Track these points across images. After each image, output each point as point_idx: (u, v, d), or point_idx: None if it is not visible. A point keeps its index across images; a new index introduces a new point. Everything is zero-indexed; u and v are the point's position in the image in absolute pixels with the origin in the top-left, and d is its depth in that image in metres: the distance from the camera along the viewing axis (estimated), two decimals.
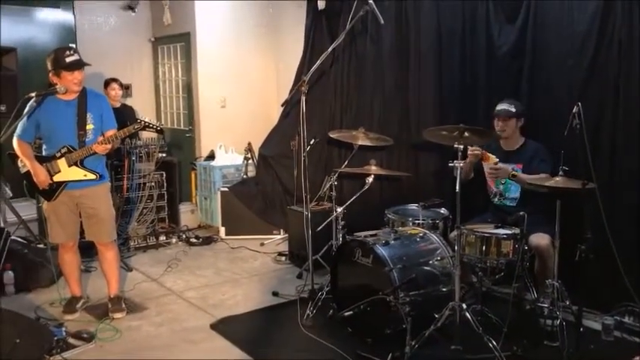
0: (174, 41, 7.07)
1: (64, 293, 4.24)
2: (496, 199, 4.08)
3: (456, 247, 3.42)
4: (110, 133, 3.83)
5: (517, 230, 3.46)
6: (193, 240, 5.99)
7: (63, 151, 3.76)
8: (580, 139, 3.17)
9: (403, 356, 3.18)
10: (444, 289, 3.59)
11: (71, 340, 3.59)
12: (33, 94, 3.59)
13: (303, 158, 4.18)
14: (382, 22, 4.50)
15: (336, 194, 4.49)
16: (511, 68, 4.28)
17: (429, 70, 4.85)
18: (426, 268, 3.60)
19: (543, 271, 3.65)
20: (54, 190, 3.82)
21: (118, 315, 4.01)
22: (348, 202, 4.52)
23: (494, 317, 3.56)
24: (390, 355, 3.23)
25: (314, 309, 3.93)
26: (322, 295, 4.03)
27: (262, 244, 5.85)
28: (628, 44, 3.63)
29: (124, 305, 4.12)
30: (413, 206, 4.30)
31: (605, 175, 3.73)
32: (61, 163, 3.77)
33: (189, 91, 6.95)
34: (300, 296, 4.25)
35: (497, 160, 3.71)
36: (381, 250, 3.49)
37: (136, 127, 3.81)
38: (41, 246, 4.73)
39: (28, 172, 3.80)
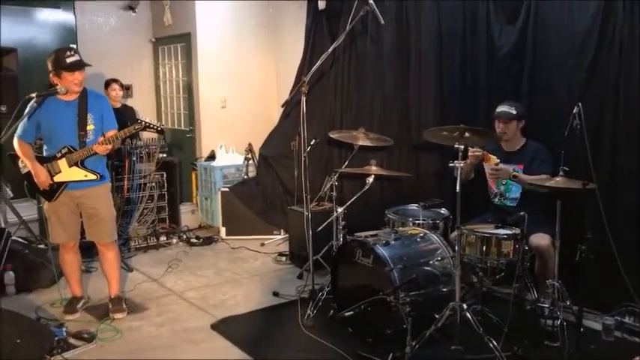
0: (175, 41, 7.08)
1: (65, 293, 4.24)
2: (496, 200, 4.09)
3: (456, 248, 3.42)
4: (111, 133, 3.83)
5: (517, 230, 3.46)
6: (194, 240, 5.99)
7: (63, 151, 3.76)
8: (580, 140, 3.17)
9: (404, 356, 3.18)
10: (445, 290, 3.59)
11: (72, 341, 3.60)
12: (33, 95, 3.60)
13: (303, 158, 4.18)
14: (382, 22, 4.50)
15: (336, 194, 4.49)
16: (512, 68, 4.28)
17: (430, 71, 4.85)
18: (426, 268, 3.60)
19: (544, 271, 3.65)
20: (54, 190, 3.82)
21: (118, 315, 4.02)
22: (349, 202, 4.52)
23: (495, 317, 3.56)
24: (391, 355, 3.23)
25: (314, 309, 3.93)
26: (323, 295, 4.03)
27: (263, 245, 5.85)
28: (629, 44, 3.63)
29: (124, 305, 4.13)
30: (413, 206, 4.30)
31: (605, 176, 3.73)
32: (62, 163, 3.77)
33: (189, 91, 6.96)
34: (301, 296, 4.26)
35: (498, 160, 3.70)
36: (382, 251, 3.49)
37: (136, 127, 3.81)
38: (42, 246, 4.75)
39: (28, 173, 3.80)
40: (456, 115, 4.59)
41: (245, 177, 6.36)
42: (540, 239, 3.63)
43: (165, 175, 5.95)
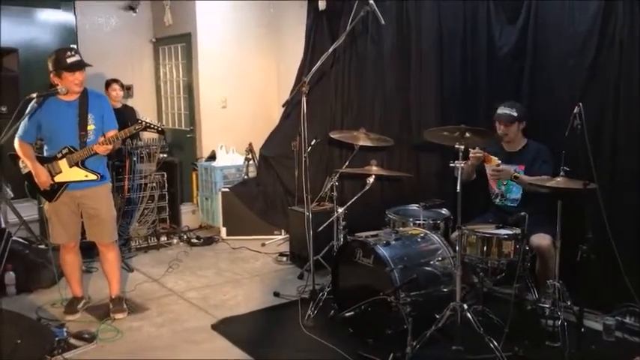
0: (175, 42, 7.08)
1: (66, 294, 4.24)
2: (497, 200, 4.08)
3: (457, 248, 3.41)
4: (111, 133, 3.83)
5: (518, 231, 3.46)
6: (194, 240, 6.00)
7: (64, 151, 3.76)
8: (581, 140, 3.17)
9: (404, 357, 3.18)
10: (445, 290, 3.59)
11: (72, 341, 3.60)
12: (34, 95, 3.60)
13: (304, 159, 4.18)
14: (383, 22, 4.50)
15: (337, 195, 4.50)
16: (512, 69, 4.28)
17: (430, 71, 4.85)
18: (427, 268, 3.60)
19: (544, 271, 3.65)
20: (55, 190, 3.82)
21: (119, 315, 4.02)
22: (349, 202, 4.52)
23: (496, 318, 3.56)
24: (391, 355, 3.23)
25: (315, 309, 3.93)
26: (323, 295, 4.03)
27: (263, 245, 5.85)
28: (629, 44, 3.63)
29: (125, 306, 4.13)
30: (414, 207, 4.30)
31: (606, 176, 3.72)
32: (62, 163, 3.78)
33: (190, 91, 6.96)
34: (301, 297, 4.26)
35: (500, 161, 3.70)
36: (382, 251, 3.49)
37: (137, 127, 3.82)
38: (42, 247, 4.75)
39: (29, 173, 3.81)
40: (456, 115, 4.59)
41: (245, 177, 6.36)
42: (541, 239, 3.62)
43: (165, 176, 5.95)
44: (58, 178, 3.80)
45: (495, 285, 3.96)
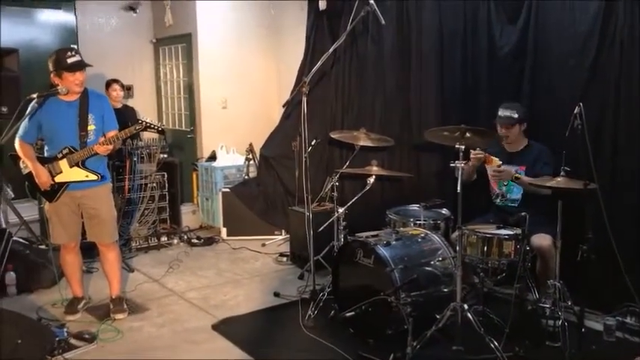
0: (176, 42, 7.08)
1: (66, 294, 4.24)
2: (498, 200, 4.08)
3: (457, 248, 3.41)
4: (111, 133, 3.83)
5: (519, 231, 3.46)
6: (195, 241, 5.99)
7: (64, 152, 3.77)
8: (581, 140, 3.16)
9: (404, 357, 3.18)
10: (446, 290, 3.59)
11: (73, 341, 3.60)
12: (34, 95, 3.61)
13: (304, 159, 4.18)
14: (383, 22, 4.50)
15: (337, 195, 4.50)
16: (513, 69, 4.28)
17: (431, 71, 4.85)
18: (427, 268, 3.60)
19: (545, 271, 3.65)
20: (56, 191, 3.82)
21: (119, 316, 4.02)
22: (350, 202, 4.52)
23: (496, 318, 3.56)
24: (392, 355, 3.23)
25: (315, 310, 3.93)
26: (324, 295, 4.03)
27: (264, 245, 5.85)
28: (629, 45, 3.63)
29: (125, 306, 4.13)
30: (414, 207, 4.30)
31: (606, 176, 3.73)
32: (63, 164, 3.78)
33: (190, 91, 6.96)
34: (302, 297, 4.25)
35: (501, 162, 3.69)
36: (383, 251, 3.49)
37: (137, 127, 3.82)
38: (43, 247, 4.75)
39: (29, 173, 3.81)
40: (457, 115, 4.59)
41: (246, 177, 6.36)
42: (542, 240, 3.62)
43: (166, 176, 5.95)
44: (58, 179, 3.80)
45: (496, 285, 3.95)
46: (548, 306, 3.46)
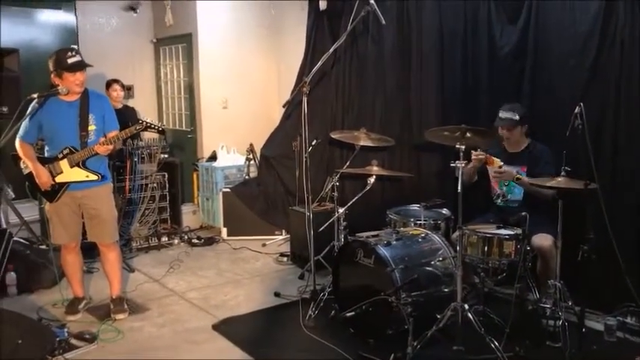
0: (176, 42, 7.08)
1: (67, 294, 4.24)
2: (499, 201, 4.08)
3: (457, 248, 3.41)
4: (112, 134, 3.83)
5: (519, 231, 3.45)
6: (195, 241, 6.00)
7: (65, 152, 3.77)
8: (582, 140, 3.16)
9: (405, 357, 3.18)
10: (446, 290, 3.59)
11: (73, 341, 3.60)
12: (35, 96, 3.60)
13: (304, 159, 4.18)
14: (384, 22, 4.50)
15: (337, 195, 4.50)
16: (513, 69, 4.28)
17: (431, 71, 4.85)
18: (427, 268, 3.60)
19: (546, 271, 3.65)
20: (56, 191, 3.82)
21: (120, 316, 4.02)
22: (350, 202, 4.52)
23: (497, 318, 3.56)
24: (392, 355, 3.23)
25: (316, 310, 3.93)
26: (324, 295, 4.03)
27: (264, 245, 5.85)
28: (630, 44, 3.63)
29: (126, 306, 4.13)
30: (415, 207, 4.30)
31: (607, 176, 3.73)
32: (63, 164, 3.78)
33: (191, 91, 6.96)
34: (302, 297, 4.25)
35: (502, 163, 3.68)
36: (383, 251, 3.49)
37: (137, 127, 3.82)
38: (43, 247, 4.75)
39: (30, 174, 3.81)
40: (457, 115, 4.59)
41: (246, 177, 6.36)
42: (543, 240, 3.62)
43: (166, 176, 5.95)
44: (59, 179, 3.80)
45: (496, 285, 3.95)
46: (548, 306, 3.46)
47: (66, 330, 3.67)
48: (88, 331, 3.74)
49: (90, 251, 4.59)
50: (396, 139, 4.75)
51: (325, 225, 4.57)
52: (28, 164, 3.79)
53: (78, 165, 3.78)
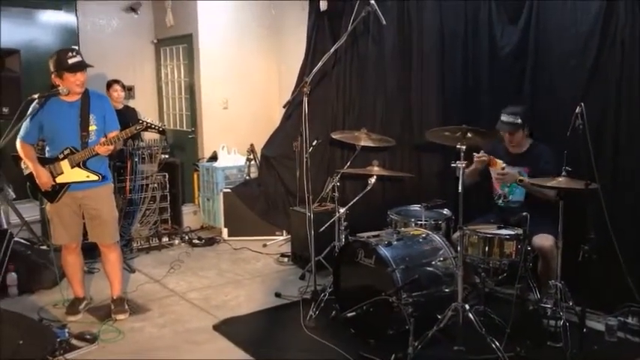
0: (177, 43, 7.08)
1: (67, 294, 4.24)
2: (500, 201, 4.07)
3: (458, 248, 3.41)
4: (113, 134, 3.83)
5: (520, 231, 3.46)
6: (196, 241, 5.99)
7: (66, 152, 3.77)
8: (583, 140, 3.16)
9: (406, 357, 3.18)
10: (447, 290, 3.59)
11: (74, 342, 3.60)
12: (36, 96, 3.61)
13: (305, 159, 4.18)
14: (384, 22, 4.51)
15: (338, 195, 4.50)
16: (514, 69, 4.27)
17: (432, 71, 4.85)
18: (428, 268, 3.60)
19: (546, 271, 3.64)
20: (57, 191, 3.82)
21: (120, 316, 4.02)
22: (351, 202, 4.52)
23: (497, 318, 3.55)
24: (393, 355, 3.23)
25: (317, 310, 3.93)
26: (325, 296, 4.03)
27: (265, 245, 5.85)
28: (631, 45, 3.63)
29: (126, 306, 4.13)
30: (415, 207, 4.29)
31: (607, 176, 3.72)
32: (64, 164, 3.78)
33: (191, 92, 6.97)
34: (303, 297, 4.25)
35: (504, 165, 3.67)
36: (384, 251, 3.49)
37: (138, 127, 3.82)
38: (44, 247, 4.75)
39: (31, 174, 3.81)
40: (458, 115, 4.59)
41: (247, 178, 6.37)
42: (544, 240, 3.61)
43: (167, 176, 5.94)
44: (59, 179, 3.80)
45: (497, 285, 3.95)
46: (549, 306, 3.45)
47: (67, 330, 3.67)
48: (89, 331, 3.74)
49: (91, 252, 4.59)
50: (396, 139, 4.75)
51: (326, 225, 4.57)
52: (29, 165, 3.79)
53: (78, 165, 3.78)
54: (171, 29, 6.97)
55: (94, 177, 3.83)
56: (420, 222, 4.04)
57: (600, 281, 3.63)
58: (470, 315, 3.32)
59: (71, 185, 3.82)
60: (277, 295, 4.43)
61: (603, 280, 3.67)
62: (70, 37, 6.21)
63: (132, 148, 5.62)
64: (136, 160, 5.66)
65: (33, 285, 4.52)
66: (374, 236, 3.77)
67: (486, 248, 3.50)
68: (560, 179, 3.31)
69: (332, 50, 4.42)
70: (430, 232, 3.85)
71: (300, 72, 6.03)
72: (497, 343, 3.18)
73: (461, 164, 3.37)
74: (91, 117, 3.78)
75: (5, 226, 4.85)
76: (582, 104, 3.19)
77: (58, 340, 3.51)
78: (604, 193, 3.43)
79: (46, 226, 4.82)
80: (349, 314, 3.57)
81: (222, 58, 6.78)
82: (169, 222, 6.09)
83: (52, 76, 3.72)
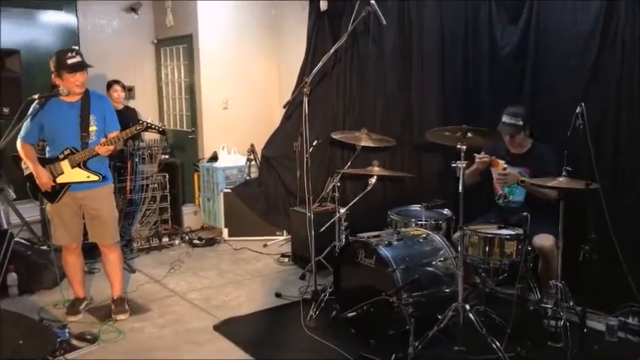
0: (177, 43, 7.08)
1: (68, 295, 4.24)
2: (500, 201, 4.07)
3: (459, 248, 3.41)
4: (113, 134, 3.83)
5: (520, 231, 3.45)
6: (196, 241, 5.99)
7: (66, 152, 3.77)
8: (583, 140, 3.16)
9: (406, 357, 3.18)
10: (447, 290, 3.59)
11: (74, 342, 3.60)
12: (36, 96, 3.60)
13: (305, 159, 4.18)
14: (384, 22, 4.50)
15: (338, 195, 4.50)
16: (514, 69, 4.27)
17: (432, 71, 4.85)
18: (429, 268, 3.60)
19: (547, 271, 3.64)
20: (57, 191, 3.82)
21: (121, 316, 4.02)
22: (351, 203, 4.52)
23: (498, 318, 3.55)
24: (394, 356, 3.22)
25: (317, 310, 3.93)
26: (325, 296, 4.03)
27: (265, 246, 5.85)
28: (631, 45, 3.62)
29: (127, 307, 4.13)
30: (416, 207, 4.29)
31: (608, 176, 3.72)
32: (64, 164, 3.78)
33: (191, 92, 6.97)
34: (303, 297, 4.25)
35: (506, 165, 3.67)
36: (384, 251, 3.49)
37: (138, 127, 3.82)
38: (45, 248, 4.75)
39: (31, 174, 3.81)
40: (458, 115, 4.59)
41: (247, 178, 6.37)
42: (544, 240, 3.61)
43: (167, 177, 5.95)
44: (60, 179, 3.80)
45: (497, 285, 3.95)
46: (550, 306, 3.45)
47: (67, 330, 3.68)
48: (89, 331, 3.74)
49: (91, 252, 4.59)
50: (397, 139, 4.75)
51: (326, 225, 4.57)
52: (29, 165, 3.79)
53: (79, 165, 3.78)
54: (172, 29, 6.97)
55: (95, 177, 3.83)
56: (420, 222, 4.04)
57: (601, 281, 3.63)
58: (470, 315, 3.32)
59: (71, 185, 3.82)
60: (278, 295, 4.43)
61: (604, 280, 3.67)
62: (71, 38, 6.21)
63: (132, 149, 5.62)
64: (137, 160, 5.67)
65: (33, 285, 4.52)
66: (374, 236, 3.77)
67: (487, 248, 3.50)
68: (560, 179, 3.31)
69: (332, 50, 4.42)
70: (430, 232, 3.85)
71: (301, 72, 6.03)
72: (498, 344, 3.18)
73: (461, 164, 3.37)
74: (91, 117, 3.78)
75: (5, 227, 4.85)
76: (582, 104, 3.18)
77: (59, 340, 3.51)
78: (604, 193, 3.42)
79: (46, 226, 4.82)
80: (350, 314, 3.57)
81: (223, 58, 6.79)
82: (170, 222, 6.09)
83: (52, 76, 3.72)
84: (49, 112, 3.71)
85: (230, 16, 6.79)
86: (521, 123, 3.79)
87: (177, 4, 6.85)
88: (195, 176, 6.84)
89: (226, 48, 6.80)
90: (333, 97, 5.77)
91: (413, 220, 4.09)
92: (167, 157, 6.04)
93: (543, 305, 3.50)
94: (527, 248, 3.43)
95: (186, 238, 6.07)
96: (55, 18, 6.21)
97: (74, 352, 3.48)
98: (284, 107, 5.34)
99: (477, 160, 3.75)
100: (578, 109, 3.18)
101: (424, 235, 3.81)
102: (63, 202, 3.86)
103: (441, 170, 4.73)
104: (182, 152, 7.03)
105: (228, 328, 3.87)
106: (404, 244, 3.65)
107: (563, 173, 3.32)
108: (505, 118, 3.83)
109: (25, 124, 3.70)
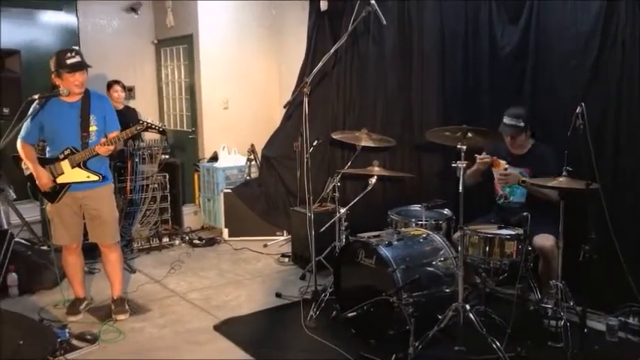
0: (177, 43, 7.08)
1: (68, 295, 4.24)
2: (501, 201, 4.06)
3: (459, 248, 3.41)
4: (113, 134, 3.83)
5: (521, 231, 3.45)
6: (196, 241, 5.99)
7: (66, 152, 3.77)
8: (583, 140, 3.16)
9: (406, 357, 3.18)
10: (448, 290, 3.59)
11: (74, 342, 3.60)
12: (36, 97, 3.60)
13: (305, 159, 4.18)
14: (385, 22, 4.50)
15: (339, 195, 4.50)
16: (514, 69, 4.27)
17: (432, 71, 4.84)
18: (429, 268, 3.60)
19: (547, 271, 3.64)
20: (57, 192, 3.82)
21: (121, 316, 4.02)
22: (352, 203, 4.52)
23: (498, 318, 3.55)
24: (394, 356, 3.22)
25: (317, 310, 3.93)
26: (325, 296, 4.03)
27: (265, 246, 5.85)
28: (631, 45, 3.62)
29: (127, 307, 4.13)
30: (416, 207, 4.29)
31: (608, 176, 3.72)
32: (65, 164, 3.78)
33: (192, 92, 6.97)
34: (304, 297, 4.25)
35: (507, 166, 3.66)
36: (384, 251, 3.49)
37: (138, 127, 3.82)
38: (45, 248, 4.75)
39: (31, 174, 3.81)
40: (458, 115, 4.59)
41: (247, 178, 6.37)
42: (544, 240, 3.61)
43: (167, 177, 5.95)
44: (60, 180, 3.80)
45: (498, 285, 3.95)
46: (550, 306, 3.45)
47: (67, 331, 3.68)
48: (89, 331, 3.74)
49: (91, 252, 4.59)
50: (397, 139, 4.75)
51: (326, 225, 4.57)
52: (29, 165, 3.79)
53: (79, 166, 3.78)
54: (172, 30, 6.97)
55: (95, 177, 3.83)
56: (420, 222, 4.04)
57: (601, 281, 3.63)
58: (470, 315, 3.32)
59: (72, 185, 3.82)
60: (278, 295, 4.43)
61: (604, 280, 3.67)
62: (71, 38, 6.21)
63: (132, 149, 5.62)
64: (137, 160, 5.67)
65: (33, 285, 4.52)
66: (374, 236, 3.77)
67: (487, 248, 3.50)
68: (561, 179, 3.31)
69: (332, 50, 4.42)
70: (431, 232, 3.85)
71: (301, 72, 6.03)
72: (498, 344, 3.17)
73: (461, 164, 3.36)
74: (91, 117, 3.78)
75: (6, 227, 4.85)
76: (583, 104, 3.18)
77: (59, 340, 3.51)
78: (604, 193, 3.42)
79: (46, 226, 4.82)
80: (350, 314, 3.57)
81: (223, 58, 6.79)
82: (170, 222, 6.09)
83: (52, 76, 3.72)
84: (49, 113, 3.71)
85: (230, 16, 6.79)
86: (522, 124, 3.79)
87: (178, 4, 6.85)
88: (196, 176, 6.84)
89: (226, 48, 6.80)
90: (334, 97, 5.77)
91: (413, 220, 4.09)
92: (167, 157, 6.04)
93: (543, 305, 3.50)
94: (528, 248, 3.43)
95: (187, 238, 6.07)
96: (55, 18, 6.21)
97: (74, 352, 3.48)
98: (284, 107, 5.34)
99: (478, 160, 3.75)
100: (578, 109, 3.17)
101: (424, 235, 3.81)
102: (63, 202, 3.86)
103: (441, 170, 4.73)
104: (182, 152, 7.03)
105: (228, 328, 3.87)
106: (404, 244, 3.65)
107: (564, 173, 3.32)
108: (506, 120, 3.82)
109: (25, 125, 3.70)
